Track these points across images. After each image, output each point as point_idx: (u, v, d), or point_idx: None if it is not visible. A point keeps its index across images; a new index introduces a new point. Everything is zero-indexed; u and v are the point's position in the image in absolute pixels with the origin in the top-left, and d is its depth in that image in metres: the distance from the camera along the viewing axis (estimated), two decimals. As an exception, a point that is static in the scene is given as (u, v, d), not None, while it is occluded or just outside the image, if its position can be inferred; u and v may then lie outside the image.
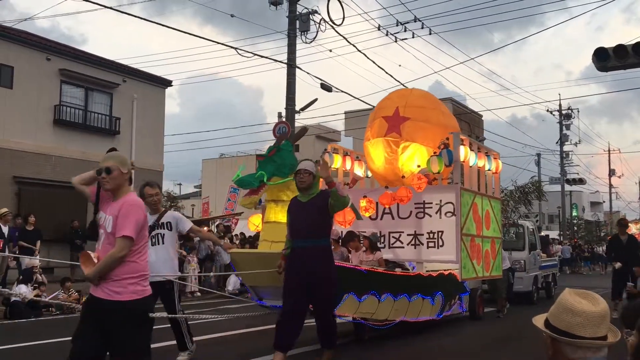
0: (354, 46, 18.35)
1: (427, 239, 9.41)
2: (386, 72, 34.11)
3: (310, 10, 16.31)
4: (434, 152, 9.26)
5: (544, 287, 15.48)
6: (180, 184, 55.79)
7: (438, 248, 9.31)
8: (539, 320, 2.03)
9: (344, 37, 19.24)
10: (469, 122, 42.88)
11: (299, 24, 16.49)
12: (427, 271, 9.55)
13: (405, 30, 18.12)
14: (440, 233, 9.31)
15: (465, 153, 9.45)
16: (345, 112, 32.52)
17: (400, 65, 62.69)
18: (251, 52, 20.49)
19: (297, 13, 16.35)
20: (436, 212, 9.38)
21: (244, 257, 6.69)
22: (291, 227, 6.10)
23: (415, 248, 9.51)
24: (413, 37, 18.46)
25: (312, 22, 16.41)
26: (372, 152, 10.31)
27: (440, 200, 9.35)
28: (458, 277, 9.06)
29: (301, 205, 6.10)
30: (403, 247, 9.63)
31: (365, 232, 9.25)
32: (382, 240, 9.81)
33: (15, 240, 12.97)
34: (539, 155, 42.68)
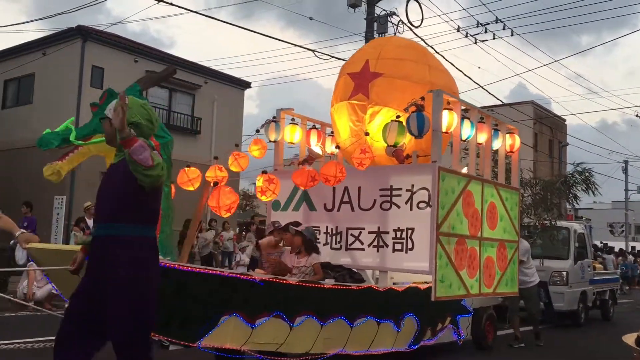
0: (432, 48, 17.53)
1: (392, 238, 6.77)
2: (465, 75, 31.89)
3: (388, 12, 16.02)
4: (397, 117, 6.60)
5: (598, 306, 12.29)
6: (254, 184, 54.88)
7: (406, 252, 6.65)
8: (629, 339, 2.01)
9: (422, 38, 18.21)
10: (551, 126, 39.64)
11: (376, 26, 16.24)
12: (394, 284, 6.94)
13: (485, 32, 17.30)
14: (410, 231, 6.65)
15: (449, 120, 6.72)
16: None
17: (480, 68, 59.26)
18: (329, 55, 19.98)
19: (375, 15, 16.15)
20: (406, 202, 6.72)
21: (46, 254, 4.43)
22: (95, 206, 3.84)
23: (378, 251, 6.89)
24: (494, 38, 17.49)
25: (390, 24, 16.22)
26: (337, 121, 7.78)
27: (412, 186, 6.68)
28: (434, 294, 6.35)
29: (107, 172, 3.82)
30: (363, 250, 7.02)
31: (307, 227, 6.73)
32: (338, 239, 7.24)
33: None
34: (626, 162, 39.56)
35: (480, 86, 18.29)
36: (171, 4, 15.38)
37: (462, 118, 7.04)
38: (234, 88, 24.32)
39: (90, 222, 13.49)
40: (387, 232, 6.80)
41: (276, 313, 5.24)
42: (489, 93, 72.41)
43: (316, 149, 7.78)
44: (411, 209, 6.66)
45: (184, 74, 21.97)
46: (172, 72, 4.98)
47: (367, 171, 7.16)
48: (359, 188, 7.07)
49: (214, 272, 4.86)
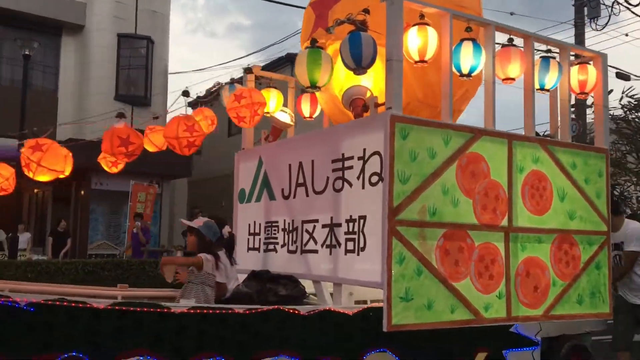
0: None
1: (345, 233, 4.42)
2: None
3: None
4: (311, 42, 4.27)
5: None
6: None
7: (358, 253, 4.27)
8: None
9: (643, 19, 15.48)
10: None
11: (587, 11, 15.07)
12: (356, 302, 4.61)
13: None
14: (361, 221, 4.26)
15: (421, 42, 4.21)
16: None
17: None
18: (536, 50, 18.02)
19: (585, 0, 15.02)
20: (358, 177, 4.35)
21: None
22: None
23: (330, 253, 4.58)
24: None
25: (602, 7, 14.96)
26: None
27: (364, 151, 4.29)
28: (389, 321, 3.90)
29: None
30: (317, 252, 4.76)
31: (208, 220, 4.71)
32: (294, 238, 5.05)
33: None
34: None
35: None
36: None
37: (462, 40, 4.45)
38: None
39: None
40: (340, 225, 4.48)
41: (72, 354, 3.40)
42: None
43: (282, 115, 5.69)
44: (363, 187, 4.28)
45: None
46: None
47: (319, 136, 4.95)
48: (312, 162, 4.85)
49: None
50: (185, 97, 4.94)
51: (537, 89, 4.94)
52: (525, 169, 4.62)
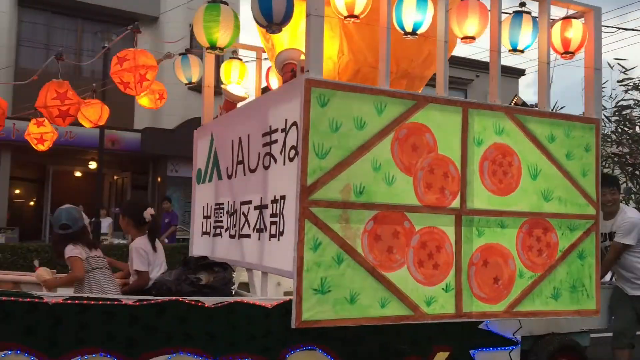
0: None
1: (270, 215, 3.92)
2: None
3: None
4: None
5: None
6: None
7: (279, 238, 3.76)
8: None
9: None
10: None
11: None
12: (285, 293, 4.14)
13: None
14: (282, 201, 3.75)
15: (349, -6, 3.63)
16: None
17: None
18: (614, 27, 17.85)
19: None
20: (281, 152, 3.83)
21: None
22: None
23: (259, 238, 4.09)
24: None
25: None
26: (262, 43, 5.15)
27: (286, 122, 3.77)
28: (299, 316, 3.39)
29: None
30: (249, 237, 4.28)
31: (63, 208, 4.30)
32: (234, 222, 4.59)
33: None
34: None
35: None
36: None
37: (407, -7, 3.84)
38: (507, 77, 22.57)
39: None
40: (267, 206, 3.99)
41: None
42: None
43: (235, 88, 5.22)
44: (284, 163, 3.76)
45: (456, 70, 22.01)
46: None
47: (254, 107, 4.46)
48: (249, 137, 4.37)
49: None
50: None
51: (509, 50, 4.27)
52: (485, 141, 3.97)
